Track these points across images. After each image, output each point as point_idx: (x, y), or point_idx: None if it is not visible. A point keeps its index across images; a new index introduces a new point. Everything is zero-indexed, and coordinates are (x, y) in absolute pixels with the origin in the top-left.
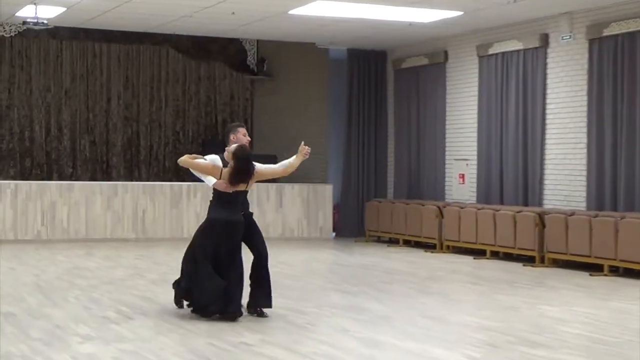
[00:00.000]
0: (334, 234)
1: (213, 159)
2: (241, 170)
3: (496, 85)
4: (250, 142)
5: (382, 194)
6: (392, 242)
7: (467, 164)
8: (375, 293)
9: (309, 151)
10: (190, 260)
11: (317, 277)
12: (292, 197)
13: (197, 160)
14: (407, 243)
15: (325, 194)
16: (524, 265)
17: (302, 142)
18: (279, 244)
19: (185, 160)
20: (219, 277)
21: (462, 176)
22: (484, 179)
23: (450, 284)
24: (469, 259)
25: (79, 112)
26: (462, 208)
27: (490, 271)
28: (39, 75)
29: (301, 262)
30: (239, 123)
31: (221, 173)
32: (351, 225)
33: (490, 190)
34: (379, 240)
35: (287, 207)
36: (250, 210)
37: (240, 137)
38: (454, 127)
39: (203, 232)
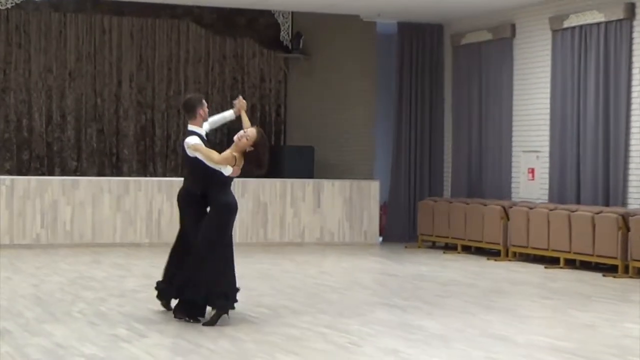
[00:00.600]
0: (380, 238)
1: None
2: (264, 158)
3: (572, 64)
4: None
5: (438, 191)
6: (449, 248)
7: (537, 157)
8: (428, 308)
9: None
10: (212, 252)
11: (361, 290)
12: (332, 195)
13: (214, 153)
14: (467, 249)
15: (371, 192)
16: (604, 275)
17: (239, 96)
18: (316, 250)
19: (200, 149)
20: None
21: (532, 171)
22: (557, 175)
23: (517, 298)
24: (539, 268)
25: (85, 97)
26: (531, 208)
27: (564, 282)
28: (39, 54)
29: (342, 271)
30: (201, 95)
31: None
32: (401, 228)
33: (565, 187)
34: (433, 245)
35: (326, 208)
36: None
37: (205, 110)
38: (522, 114)
39: (223, 219)
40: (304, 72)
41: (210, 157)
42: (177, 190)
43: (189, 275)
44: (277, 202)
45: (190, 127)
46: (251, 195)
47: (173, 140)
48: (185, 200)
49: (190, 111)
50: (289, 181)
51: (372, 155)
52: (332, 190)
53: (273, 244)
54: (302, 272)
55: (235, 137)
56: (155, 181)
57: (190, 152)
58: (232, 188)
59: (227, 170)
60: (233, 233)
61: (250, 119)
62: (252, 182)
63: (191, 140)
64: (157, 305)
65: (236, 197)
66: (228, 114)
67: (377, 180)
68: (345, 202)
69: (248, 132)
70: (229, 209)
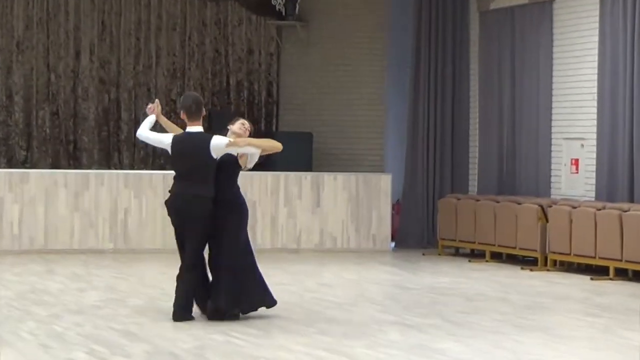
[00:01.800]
0: (393, 244)
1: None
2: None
3: (625, 32)
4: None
5: (462, 187)
6: (476, 255)
7: (582, 145)
8: (450, 328)
9: (154, 108)
10: (246, 256)
11: (369, 305)
12: (334, 191)
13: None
14: (497, 257)
15: (381, 187)
16: None
17: (156, 101)
18: (315, 258)
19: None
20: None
21: (576, 162)
22: (606, 167)
23: (557, 315)
24: (583, 279)
25: (36, 73)
26: (574, 208)
27: (615, 297)
28: None
29: (347, 284)
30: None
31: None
32: (417, 231)
33: (616, 182)
34: (457, 252)
35: (327, 207)
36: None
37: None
38: (564, 93)
39: (245, 220)
40: (301, 43)
41: (261, 145)
42: (148, 185)
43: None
44: (267, 199)
45: (196, 129)
46: None
47: None
48: (204, 208)
49: (198, 110)
50: (282, 175)
51: (382, 144)
52: (334, 186)
53: (263, 251)
54: (298, 284)
55: (236, 130)
56: (121, 175)
57: (219, 153)
58: None
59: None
60: None
61: (235, 100)
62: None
63: (224, 139)
64: (122, 324)
65: None
66: (152, 119)
67: (389, 173)
68: (350, 199)
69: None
70: (246, 208)
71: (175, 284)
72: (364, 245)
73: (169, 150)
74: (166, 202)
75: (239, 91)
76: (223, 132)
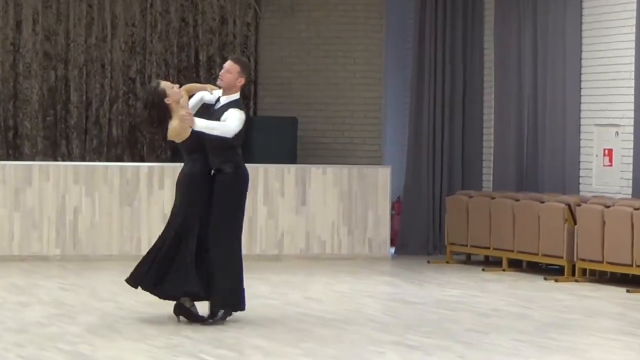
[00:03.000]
0: (392, 249)
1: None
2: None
3: None
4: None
5: (475, 183)
6: (491, 263)
7: (617, 133)
8: (461, 349)
9: (188, 116)
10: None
11: (365, 323)
12: (323, 187)
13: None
14: (516, 265)
15: (379, 182)
16: None
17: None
18: (300, 266)
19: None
20: None
21: (609, 153)
22: None
23: (588, 335)
24: (619, 291)
25: None
26: (607, 207)
27: None
28: None
29: (338, 297)
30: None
31: None
32: (422, 235)
33: None
34: (468, 260)
35: (314, 205)
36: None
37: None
38: (596, 72)
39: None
40: (283, 11)
41: None
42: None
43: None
44: None
45: None
46: None
47: (95, 109)
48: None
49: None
50: (261, 167)
51: (380, 131)
52: (323, 181)
53: None
54: (280, 297)
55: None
56: (70, 167)
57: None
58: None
59: None
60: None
61: (206, 78)
62: None
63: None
64: (71, 344)
65: None
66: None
67: (388, 166)
68: (342, 197)
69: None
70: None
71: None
72: (359, 251)
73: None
74: (247, 176)
75: (209, 68)
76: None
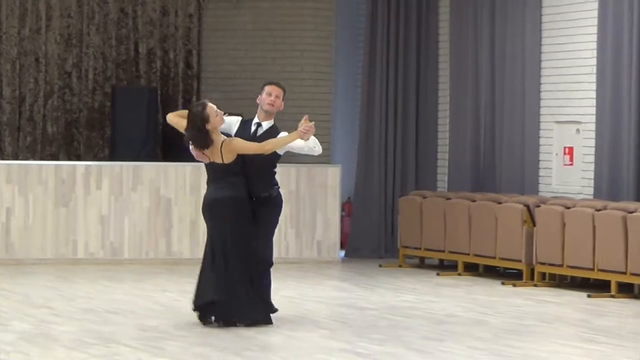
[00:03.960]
0: (342, 253)
1: (230, 122)
2: (189, 132)
3: None
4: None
5: (429, 183)
6: (446, 266)
7: (578, 131)
8: (414, 357)
9: (311, 129)
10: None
11: (314, 330)
12: None
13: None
14: (472, 269)
15: (328, 182)
16: None
17: (306, 116)
18: None
19: (170, 119)
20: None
21: (570, 151)
22: (607, 157)
23: (547, 342)
24: (579, 297)
25: None
26: (568, 208)
27: (617, 318)
28: None
29: (285, 303)
30: (277, 82)
31: None
32: (373, 237)
33: (619, 176)
34: (422, 263)
35: None
36: (268, 193)
37: (263, 98)
38: (556, 66)
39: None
40: (227, 1)
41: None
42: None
43: None
44: (186, 197)
45: None
46: (147, 188)
47: (29, 105)
48: None
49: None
50: (204, 167)
51: (329, 128)
52: None
53: (181, 262)
54: None
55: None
56: (3, 166)
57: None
58: (211, 181)
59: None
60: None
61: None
62: (148, 168)
63: None
64: (3, 353)
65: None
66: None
67: (337, 165)
68: (289, 198)
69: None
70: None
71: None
72: (307, 255)
73: None
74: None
75: (150, 62)
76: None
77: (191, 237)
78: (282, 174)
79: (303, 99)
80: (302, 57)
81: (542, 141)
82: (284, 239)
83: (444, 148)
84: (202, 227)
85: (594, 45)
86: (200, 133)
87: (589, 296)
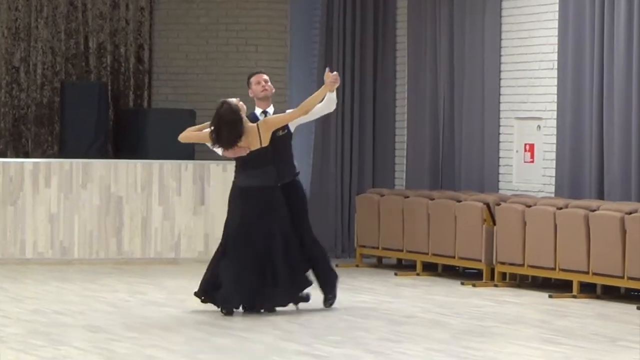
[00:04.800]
0: None
1: None
2: (216, 132)
3: None
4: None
5: (387, 180)
6: (404, 266)
7: (539, 127)
8: (371, 359)
9: (337, 77)
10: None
11: (269, 331)
12: (223, 185)
13: (202, 131)
14: (431, 268)
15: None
16: (638, 308)
17: (327, 68)
18: (199, 270)
19: (185, 135)
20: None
21: (531, 148)
22: (569, 154)
23: (507, 343)
24: (540, 297)
25: None
26: (529, 206)
27: (579, 319)
28: None
29: None
30: (258, 70)
31: None
32: (329, 236)
33: (581, 173)
34: (379, 263)
35: (214, 205)
36: (293, 177)
37: (254, 89)
38: (516, 62)
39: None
40: None
41: (199, 141)
42: None
43: None
44: (137, 195)
45: None
46: (97, 186)
47: None
48: None
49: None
50: (155, 163)
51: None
52: (224, 178)
53: (131, 261)
54: (177, 304)
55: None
56: None
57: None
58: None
59: (218, 151)
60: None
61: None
62: (98, 165)
63: None
64: None
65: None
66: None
67: None
68: None
69: None
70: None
71: None
72: None
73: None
74: None
75: (100, 56)
76: None
77: (142, 236)
78: (233, 170)
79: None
80: (257, 51)
81: (502, 138)
82: None
83: (401, 145)
84: (154, 226)
85: (555, 39)
86: (235, 125)
87: (550, 296)
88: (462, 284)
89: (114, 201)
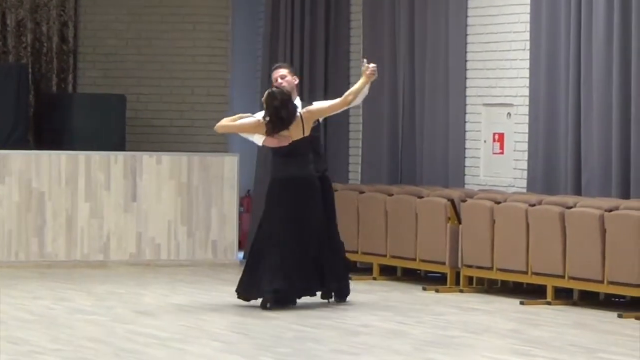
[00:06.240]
0: (241, 254)
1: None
2: (272, 120)
3: None
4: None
5: (340, 174)
6: (359, 269)
7: (509, 115)
8: None
9: (375, 69)
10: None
11: (209, 342)
12: (157, 179)
13: (239, 121)
14: (389, 272)
15: (224, 173)
16: (619, 315)
17: (364, 60)
18: (131, 274)
19: (223, 125)
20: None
21: (500, 138)
22: (542, 145)
23: (475, 354)
24: (511, 304)
25: None
26: (498, 203)
27: (553, 328)
28: None
29: (176, 311)
30: (279, 64)
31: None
32: None
33: (556, 166)
34: None
35: (146, 201)
36: (326, 166)
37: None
38: (483, 41)
39: (266, 202)
40: None
41: (236, 131)
42: None
43: None
44: (61, 191)
45: None
46: (16, 180)
47: None
48: None
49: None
50: (81, 155)
51: (226, 112)
52: (158, 171)
53: (55, 264)
54: (106, 312)
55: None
56: None
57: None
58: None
59: (258, 140)
60: None
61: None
62: (17, 157)
63: None
64: None
65: None
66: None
67: (235, 154)
68: (179, 191)
69: None
70: (271, 185)
71: None
72: (200, 256)
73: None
74: None
75: (19, 35)
76: None
77: (67, 236)
78: (172, 163)
79: (197, 78)
80: (195, 30)
81: (468, 127)
82: (174, 238)
83: (356, 135)
84: (80, 225)
85: (527, 17)
86: (288, 110)
87: (521, 303)
88: (424, 289)
89: (35, 197)
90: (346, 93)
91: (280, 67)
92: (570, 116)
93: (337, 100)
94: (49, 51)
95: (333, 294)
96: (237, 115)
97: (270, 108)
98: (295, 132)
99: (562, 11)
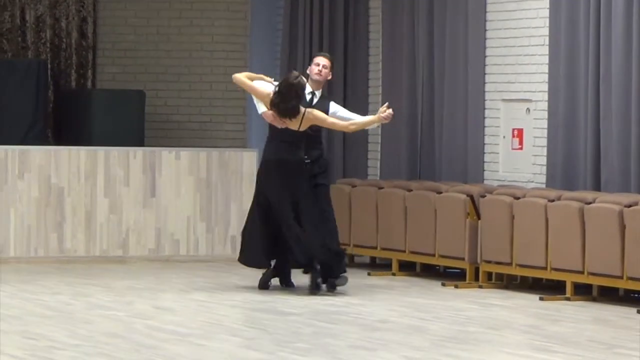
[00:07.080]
0: None
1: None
2: (276, 102)
3: None
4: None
5: (359, 170)
6: (378, 265)
7: (528, 110)
8: None
9: (391, 115)
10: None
11: (228, 338)
12: (177, 175)
13: (255, 81)
14: (408, 268)
15: (243, 169)
16: (638, 311)
17: (386, 103)
18: (149, 269)
19: (239, 79)
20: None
21: (519, 134)
22: (562, 140)
23: (493, 351)
24: (530, 300)
25: None
26: (517, 198)
27: (573, 324)
28: None
29: (195, 307)
30: (325, 53)
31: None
32: None
33: (575, 162)
34: (351, 262)
35: (165, 197)
36: (320, 151)
37: (312, 67)
38: (503, 37)
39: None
40: None
41: (247, 89)
42: None
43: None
44: (80, 186)
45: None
46: (35, 176)
47: None
48: None
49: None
50: (101, 150)
51: (245, 107)
52: (177, 167)
53: (74, 260)
54: (125, 308)
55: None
56: None
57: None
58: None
59: (259, 108)
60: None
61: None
62: (37, 153)
63: None
64: None
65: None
66: (365, 118)
67: (254, 149)
68: (198, 186)
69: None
70: (261, 167)
71: None
72: (219, 252)
73: None
74: None
75: (38, 31)
76: None
77: (86, 232)
78: (191, 159)
79: (215, 74)
80: (213, 25)
81: (487, 122)
82: (193, 233)
83: (375, 130)
84: (99, 220)
85: (546, 12)
86: (298, 102)
87: (541, 299)
88: (443, 285)
89: (54, 193)
90: (352, 121)
91: (325, 56)
92: (589, 111)
93: (340, 122)
94: (68, 47)
95: (320, 278)
96: (259, 75)
97: (282, 92)
98: (292, 123)
99: (581, 6)
